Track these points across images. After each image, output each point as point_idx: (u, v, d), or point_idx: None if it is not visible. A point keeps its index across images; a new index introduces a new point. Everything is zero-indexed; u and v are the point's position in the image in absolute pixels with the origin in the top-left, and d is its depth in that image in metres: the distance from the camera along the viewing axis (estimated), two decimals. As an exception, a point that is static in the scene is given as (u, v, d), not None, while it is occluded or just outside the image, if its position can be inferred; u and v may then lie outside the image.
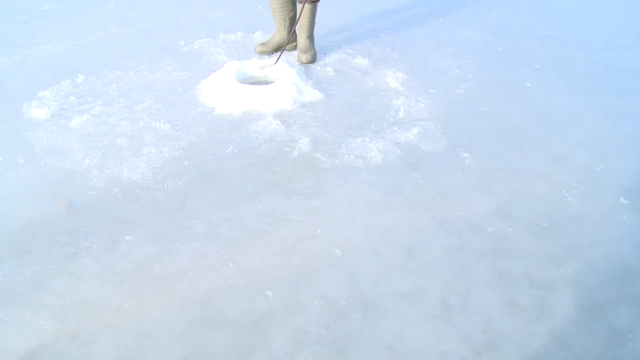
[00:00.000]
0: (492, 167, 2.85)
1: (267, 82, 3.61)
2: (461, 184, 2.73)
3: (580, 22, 4.90)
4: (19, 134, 3.10)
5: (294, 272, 2.20)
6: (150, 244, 2.34)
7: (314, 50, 4.04)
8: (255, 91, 3.39)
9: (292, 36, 4.03)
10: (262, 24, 4.57)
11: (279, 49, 4.02)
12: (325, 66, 3.90)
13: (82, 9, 5.15)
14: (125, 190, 2.65)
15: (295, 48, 4.14)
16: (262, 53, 4.04)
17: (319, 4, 3.90)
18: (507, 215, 2.51)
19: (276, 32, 4.06)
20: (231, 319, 2.01)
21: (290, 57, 4.00)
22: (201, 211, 2.52)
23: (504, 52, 4.23)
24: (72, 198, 2.61)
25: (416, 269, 2.23)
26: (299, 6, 3.87)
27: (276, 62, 3.73)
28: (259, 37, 4.38)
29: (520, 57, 4.13)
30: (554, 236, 2.40)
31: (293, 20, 4.00)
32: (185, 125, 3.18)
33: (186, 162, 2.86)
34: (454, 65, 3.96)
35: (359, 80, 3.72)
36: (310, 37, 4.03)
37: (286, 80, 3.49)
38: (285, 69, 3.63)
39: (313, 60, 4.01)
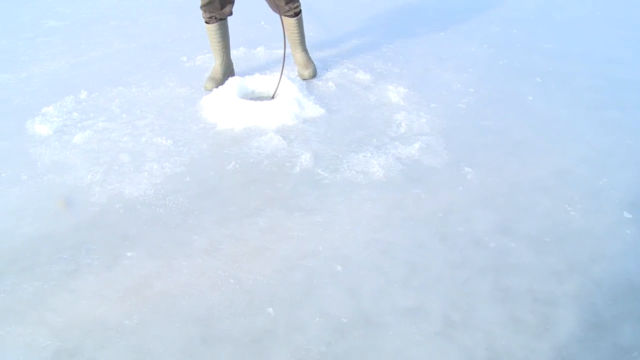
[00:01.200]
0: (493, 182, 2.84)
1: (268, 98, 3.62)
2: (463, 199, 2.72)
3: (581, 35, 4.90)
4: (22, 150, 3.12)
5: (295, 289, 2.20)
6: (152, 260, 2.34)
7: (313, 63, 4.01)
8: (256, 107, 3.39)
9: (229, 63, 3.91)
10: (264, 40, 4.59)
11: (227, 77, 3.82)
12: (327, 81, 3.91)
13: (86, 26, 5.19)
14: (127, 207, 2.66)
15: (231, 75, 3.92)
16: (214, 89, 3.73)
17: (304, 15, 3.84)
18: (510, 231, 2.50)
19: (219, 62, 3.87)
20: (232, 336, 2.00)
21: (292, 73, 4.01)
22: (202, 227, 2.52)
23: (505, 65, 4.23)
24: (74, 214, 2.62)
25: (418, 285, 2.22)
26: (284, 20, 3.74)
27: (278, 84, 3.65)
28: (261, 52, 4.39)
29: (522, 71, 4.13)
30: (557, 251, 2.38)
31: (228, 48, 3.87)
32: (187, 141, 3.19)
33: (188, 178, 2.87)
34: (456, 80, 3.96)
35: (360, 95, 3.72)
36: (306, 51, 4.00)
37: (288, 96, 3.49)
38: (286, 85, 3.63)
39: (314, 74, 3.97)
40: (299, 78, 3.93)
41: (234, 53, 4.13)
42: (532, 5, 5.73)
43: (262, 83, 3.71)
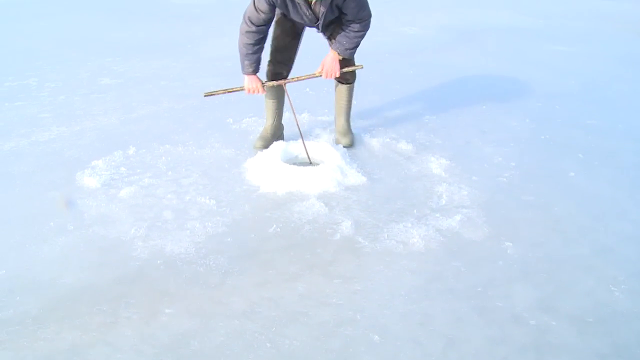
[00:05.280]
0: (534, 258, 2.81)
1: (312, 164, 3.68)
2: (503, 273, 2.69)
3: (624, 112, 4.89)
4: (70, 201, 3.22)
5: (332, 357, 2.17)
6: (190, 318, 2.36)
7: (352, 133, 4.09)
8: (300, 172, 3.45)
9: (280, 125, 4.03)
10: (309, 106, 4.69)
11: (277, 139, 3.97)
12: (369, 150, 3.96)
13: (138, 84, 5.41)
14: (168, 263, 2.70)
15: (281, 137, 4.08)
16: (263, 148, 3.87)
17: (356, 87, 3.96)
18: (551, 308, 2.45)
19: (270, 123, 3.99)
20: (266, 402, 1.98)
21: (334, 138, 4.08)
22: (241, 289, 2.54)
23: (547, 140, 4.23)
24: (116, 267, 2.66)
25: (455, 359, 2.17)
26: (337, 87, 3.92)
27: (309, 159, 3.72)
28: (306, 118, 4.49)
29: (564, 146, 4.12)
30: (601, 332, 2.32)
31: (281, 111, 4.00)
32: (230, 202, 3.24)
33: (229, 239, 2.90)
34: (497, 153, 3.97)
35: (402, 165, 3.75)
36: (348, 120, 4.09)
37: (331, 163, 3.55)
38: (330, 152, 3.69)
39: (353, 143, 4.03)
40: (336, 144, 3.97)
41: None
42: (575, 81, 5.77)
43: (306, 149, 3.78)
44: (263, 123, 4.26)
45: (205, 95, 3.68)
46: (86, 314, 2.37)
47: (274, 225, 3.03)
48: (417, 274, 2.66)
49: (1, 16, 8.97)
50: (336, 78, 3.79)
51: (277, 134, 4.02)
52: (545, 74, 6.01)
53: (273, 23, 3.57)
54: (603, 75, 6.04)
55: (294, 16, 3.44)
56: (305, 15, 3.35)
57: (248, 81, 3.58)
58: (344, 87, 3.92)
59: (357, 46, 3.55)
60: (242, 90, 3.62)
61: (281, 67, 3.74)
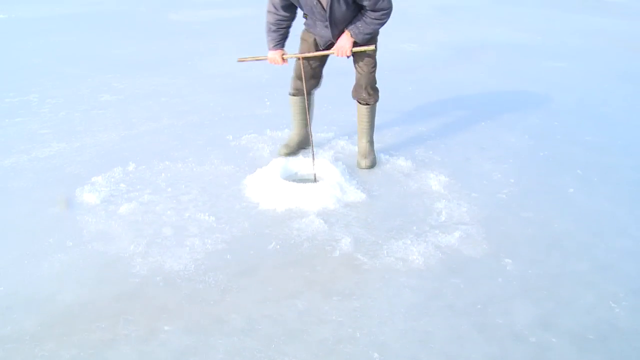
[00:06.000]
0: (534, 274, 2.80)
1: (311, 180, 3.69)
2: (502, 290, 2.68)
3: (622, 128, 4.91)
4: (69, 218, 3.23)
5: (331, 375, 2.17)
6: (189, 335, 2.35)
7: (374, 155, 4.05)
8: (299, 189, 3.45)
9: (305, 134, 4.11)
10: (308, 122, 4.71)
11: (302, 147, 4.13)
12: (369, 167, 3.96)
13: (138, 101, 5.43)
14: (167, 280, 2.70)
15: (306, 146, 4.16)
16: (286, 155, 4.04)
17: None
18: (551, 325, 2.45)
19: (296, 132, 4.14)
20: (265, 420, 1.97)
21: (341, 155, 4.11)
22: (241, 306, 2.53)
23: (546, 157, 4.24)
24: (115, 284, 2.66)
25: (456, 378, 2.17)
26: (357, 107, 3.93)
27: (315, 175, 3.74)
28: (305, 134, 4.50)
29: (563, 163, 4.13)
30: (602, 350, 2.31)
31: (305, 122, 4.05)
32: (229, 219, 3.24)
33: (228, 256, 2.90)
34: (496, 170, 3.98)
35: (401, 182, 3.75)
36: (371, 142, 4.05)
37: (330, 180, 3.56)
38: (329, 168, 3.70)
39: (373, 165, 3.98)
40: (357, 167, 3.98)
41: (278, 134, 4.28)
42: (573, 97, 5.78)
43: (305, 165, 3.80)
44: (262, 140, 4.35)
45: (238, 61, 3.82)
46: (84, 331, 2.36)
47: (273, 242, 3.03)
48: (416, 291, 2.66)
49: (2, 33, 9.03)
50: (356, 99, 3.90)
51: (301, 142, 4.13)
52: (543, 90, 6.03)
53: (299, 38, 3.76)
54: (601, 92, 6.06)
55: (305, 8, 3.51)
56: (314, 4, 3.40)
57: (271, 54, 3.71)
58: (363, 108, 3.91)
59: (372, 32, 3.55)
60: (266, 59, 3.74)
61: (302, 83, 3.79)
